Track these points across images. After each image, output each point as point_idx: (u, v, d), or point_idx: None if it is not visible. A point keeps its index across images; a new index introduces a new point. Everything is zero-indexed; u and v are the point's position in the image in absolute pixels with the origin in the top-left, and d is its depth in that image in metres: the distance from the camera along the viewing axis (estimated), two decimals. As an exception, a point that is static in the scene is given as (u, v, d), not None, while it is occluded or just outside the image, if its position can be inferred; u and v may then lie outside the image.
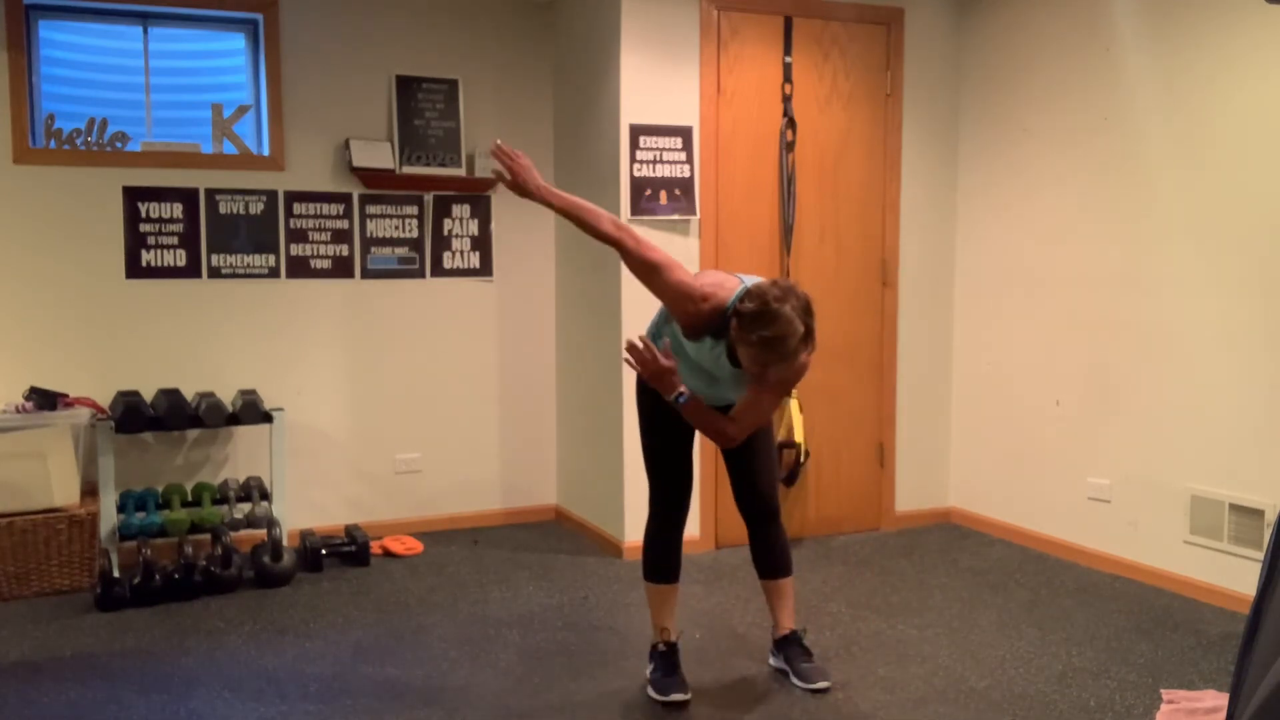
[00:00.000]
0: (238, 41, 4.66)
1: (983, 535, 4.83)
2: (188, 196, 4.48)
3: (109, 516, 4.13)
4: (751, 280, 2.88)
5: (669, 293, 2.80)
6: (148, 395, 4.44)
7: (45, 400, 4.12)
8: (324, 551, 4.35)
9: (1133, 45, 4.10)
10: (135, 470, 4.46)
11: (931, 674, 3.22)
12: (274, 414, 4.36)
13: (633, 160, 4.36)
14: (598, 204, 4.57)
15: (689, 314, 2.82)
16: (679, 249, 4.45)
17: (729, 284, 2.83)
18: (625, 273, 4.38)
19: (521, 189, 2.85)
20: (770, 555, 3.22)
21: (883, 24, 4.78)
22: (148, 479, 4.48)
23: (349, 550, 4.42)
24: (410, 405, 4.90)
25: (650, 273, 2.79)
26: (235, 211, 4.55)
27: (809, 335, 2.68)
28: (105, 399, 4.38)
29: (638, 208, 4.37)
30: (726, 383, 2.95)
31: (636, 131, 4.36)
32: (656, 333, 3.04)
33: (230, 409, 4.34)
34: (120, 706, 2.99)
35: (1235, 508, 3.77)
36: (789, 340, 2.63)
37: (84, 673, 3.23)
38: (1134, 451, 4.15)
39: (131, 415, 4.11)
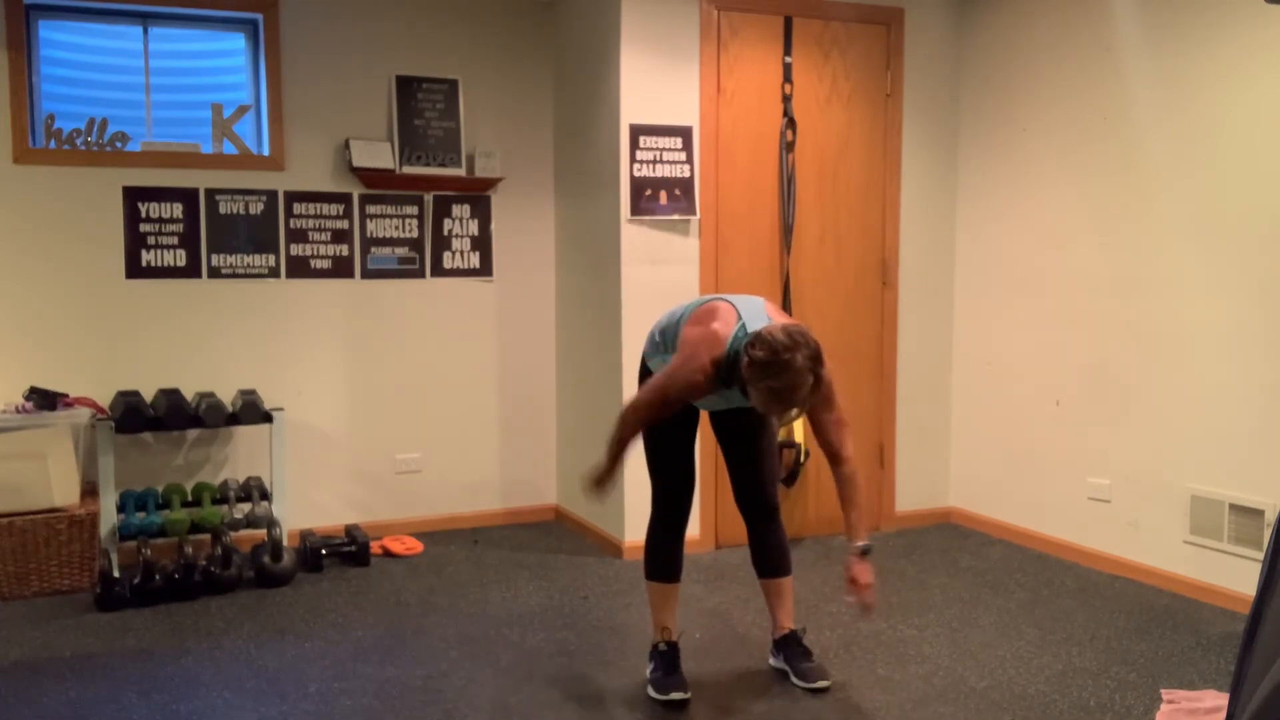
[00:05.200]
0: (238, 41, 4.66)
1: (983, 535, 4.83)
2: (188, 196, 4.48)
3: (109, 516, 4.13)
4: (744, 304, 2.87)
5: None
6: (148, 395, 4.44)
7: (45, 400, 4.12)
8: (324, 551, 4.35)
9: (1133, 46, 4.10)
10: (135, 470, 4.46)
11: (931, 674, 3.22)
12: (274, 414, 4.36)
13: (633, 160, 4.36)
14: (597, 204, 4.60)
15: (696, 389, 2.83)
16: (679, 249, 4.45)
17: (721, 332, 2.79)
18: (625, 273, 4.39)
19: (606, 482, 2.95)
20: (770, 554, 3.22)
21: (883, 24, 4.78)
22: (148, 479, 4.48)
23: (349, 550, 4.42)
24: (410, 405, 4.90)
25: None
26: (235, 211, 4.55)
27: (818, 383, 2.69)
28: (105, 399, 4.38)
29: (638, 208, 4.37)
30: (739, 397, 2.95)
31: (636, 131, 4.36)
32: (654, 348, 3.05)
33: (230, 409, 4.34)
34: (120, 706, 2.99)
35: (1235, 508, 3.77)
36: (799, 391, 2.65)
37: (84, 673, 3.23)
38: (1134, 451, 4.15)
39: (131, 415, 4.11)
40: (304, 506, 4.72)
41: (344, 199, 4.72)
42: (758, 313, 2.85)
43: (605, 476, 2.93)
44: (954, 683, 3.16)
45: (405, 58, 4.79)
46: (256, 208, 4.58)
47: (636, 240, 4.39)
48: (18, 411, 4.07)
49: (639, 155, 4.36)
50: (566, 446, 5.08)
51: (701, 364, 2.77)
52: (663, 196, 4.41)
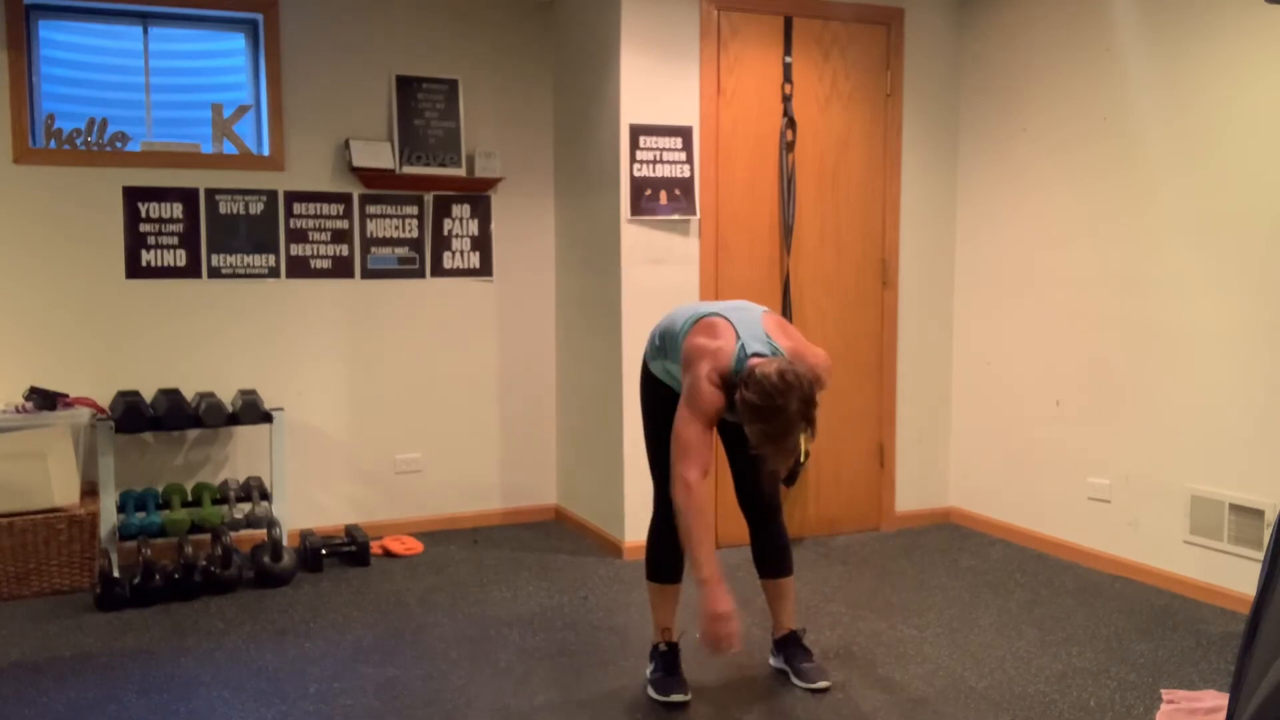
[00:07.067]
0: (238, 41, 4.66)
1: (983, 535, 4.83)
2: (188, 196, 4.48)
3: (109, 516, 4.13)
4: (740, 320, 2.84)
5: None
6: (148, 395, 4.44)
7: (45, 400, 4.12)
8: (324, 551, 4.35)
9: (1133, 45, 4.10)
10: (135, 470, 4.46)
11: (931, 674, 3.22)
12: (274, 414, 4.36)
13: (633, 160, 4.36)
14: (597, 204, 4.60)
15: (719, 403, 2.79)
16: (679, 249, 4.45)
17: (724, 352, 2.78)
18: (625, 273, 4.39)
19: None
20: (771, 554, 3.22)
21: (883, 24, 4.78)
22: (148, 479, 4.48)
23: (349, 550, 4.42)
24: (410, 405, 4.90)
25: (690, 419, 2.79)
26: (235, 211, 4.55)
27: (809, 426, 2.69)
28: (105, 399, 4.38)
29: (638, 208, 4.37)
30: None
31: (636, 131, 4.36)
32: (654, 351, 3.04)
33: (230, 409, 4.34)
34: (120, 706, 2.99)
35: (1235, 508, 3.77)
36: (789, 437, 2.66)
37: (84, 673, 3.23)
38: (1134, 451, 4.15)
39: (131, 415, 4.11)
40: (304, 506, 4.72)
41: (344, 199, 4.72)
42: (754, 330, 2.83)
43: (701, 576, 2.70)
44: (954, 683, 3.16)
45: (405, 58, 4.79)
46: (256, 208, 4.58)
47: (637, 240, 4.39)
48: (18, 411, 4.07)
49: (639, 155, 4.36)
50: (566, 446, 5.08)
51: (713, 383, 2.75)
52: (663, 196, 4.41)
